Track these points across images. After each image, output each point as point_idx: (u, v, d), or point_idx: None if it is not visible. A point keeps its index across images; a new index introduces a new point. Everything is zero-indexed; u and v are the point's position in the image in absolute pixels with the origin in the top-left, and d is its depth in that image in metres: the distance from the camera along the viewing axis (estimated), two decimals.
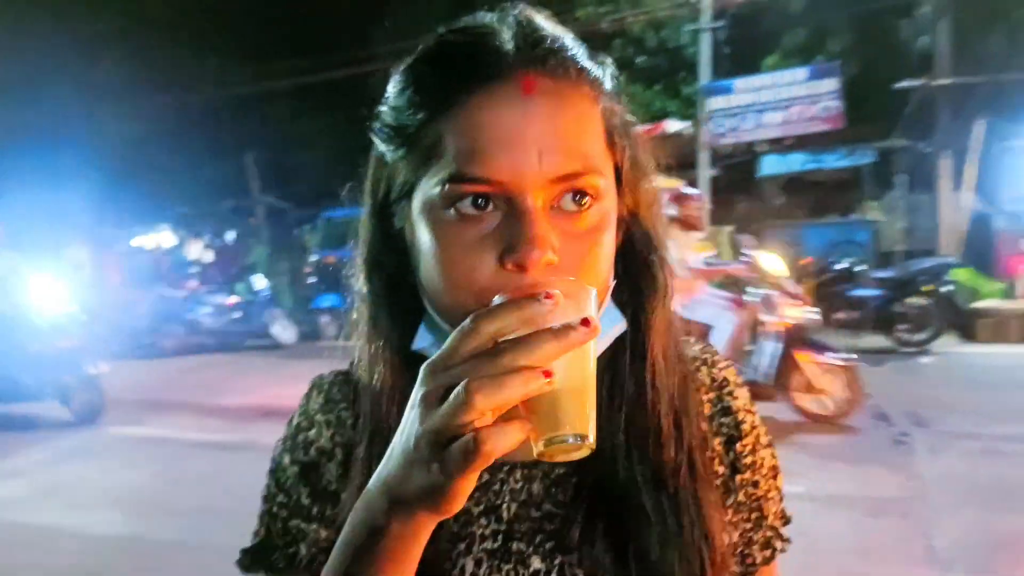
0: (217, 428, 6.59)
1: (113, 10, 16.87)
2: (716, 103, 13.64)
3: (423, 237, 0.59)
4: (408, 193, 0.61)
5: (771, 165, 13.81)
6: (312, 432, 0.71)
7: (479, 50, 0.58)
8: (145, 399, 7.94)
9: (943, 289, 8.84)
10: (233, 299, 11.67)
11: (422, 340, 0.63)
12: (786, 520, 0.75)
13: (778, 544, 0.74)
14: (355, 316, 0.69)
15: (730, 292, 5.68)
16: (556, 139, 0.56)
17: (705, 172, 13.04)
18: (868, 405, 5.68)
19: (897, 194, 13.96)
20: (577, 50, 0.61)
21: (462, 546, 0.66)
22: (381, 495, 0.53)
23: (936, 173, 12.81)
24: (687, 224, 5.29)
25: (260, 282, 11.87)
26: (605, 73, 0.63)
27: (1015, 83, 11.90)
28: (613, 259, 0.61)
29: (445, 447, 0.48)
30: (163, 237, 16.93)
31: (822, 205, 14.80)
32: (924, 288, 8.72)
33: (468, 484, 0.50)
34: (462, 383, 0.48)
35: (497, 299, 0.51)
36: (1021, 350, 8.87)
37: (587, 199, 0.58)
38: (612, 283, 0.62)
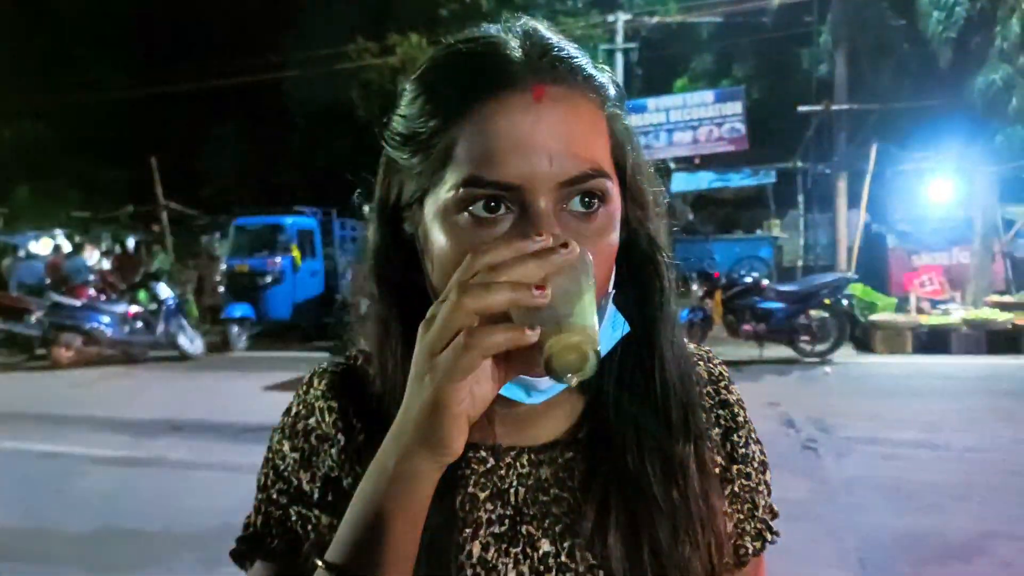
0: (119, 444, 6.25)
1: (13, 6, 15.95)
2: (630, 121, 14.00)
3: (437, 240, 0.60)
4: (420, 198, 0.63)
5: (681, 182, 14.28)
6: (312, 420, 0.71)
7: (490, 59, 0.60)
8: (38, 413, 7.46)
9: (842, 303, 9.34)
10: (135, 308, 11.09)
11: None
12: (775, 515, 0.78)
13: (768, 536, 0.76)
14: (361, 317, 0.71)
15: None
16: (566, 143, 0.58)
17: None
18: (777, 412, 5.88)
19: (797, 212, 14.70)
20: (582, 59, 0.63)
21: (468, 531, 0.66)
22: (387, 440, 0.56)
23: (833, 193, 13.55)
24: None
25: (164, 291, 11.30)
26: (608, 81, 0.65)
27: (902, 111, 12.77)
28: (615, 260, 0.63)
29: (438, 355, 0.52)
30: (60, 242, 15.94)
31: (729, 221, 15.42)
32: (825, 301, 9.19)
33: (458, 403, 0.52)
34: (452, 288, 0.52)
35: None
36: (914, 360, 9.46)
37: (595, 201, 0.60)
38: (612, 289, 0.63)
